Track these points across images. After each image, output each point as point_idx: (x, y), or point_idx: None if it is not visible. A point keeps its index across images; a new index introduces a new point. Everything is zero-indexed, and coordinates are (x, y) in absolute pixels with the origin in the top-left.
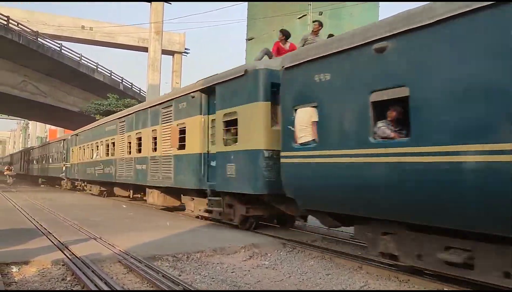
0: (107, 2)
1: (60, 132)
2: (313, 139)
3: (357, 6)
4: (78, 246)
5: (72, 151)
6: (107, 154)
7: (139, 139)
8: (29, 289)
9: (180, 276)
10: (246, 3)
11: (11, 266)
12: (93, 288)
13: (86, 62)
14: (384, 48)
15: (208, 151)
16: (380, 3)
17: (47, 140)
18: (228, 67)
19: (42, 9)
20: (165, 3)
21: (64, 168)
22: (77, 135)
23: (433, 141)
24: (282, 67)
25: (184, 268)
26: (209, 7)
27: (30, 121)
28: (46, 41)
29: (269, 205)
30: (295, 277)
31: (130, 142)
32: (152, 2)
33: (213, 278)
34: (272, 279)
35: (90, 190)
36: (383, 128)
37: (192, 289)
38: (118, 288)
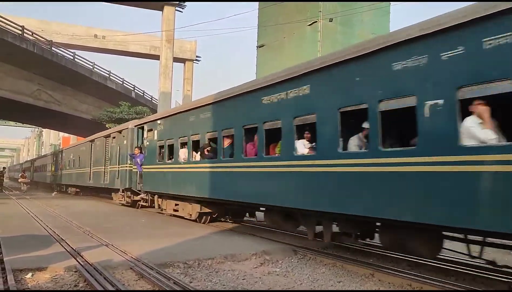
0: (117, 3)
1: (73, 140)
2: None
3: (368, 13)
4: (90, 252)
5: None
6: None
7: None
8: None
9: (191, 283)
10: (257, 11)
11: (25, 272)
12: None
13: (98, 71)
14: None
15: None
16: (391, 9)
17: (61, 147)
18: (239, 74)
19: (57, 19)
20: (176, 12)
21: None
22: None
23: None
24: None
25: (195, 275)
26: (220, 15)
27: (44, 129)
28: (60, 50)
29: None
30: (306, 284)
31: None
32: (163, 11)
33: (224, 285)
34: (283, 286)
35: None
36: None
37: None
38: None
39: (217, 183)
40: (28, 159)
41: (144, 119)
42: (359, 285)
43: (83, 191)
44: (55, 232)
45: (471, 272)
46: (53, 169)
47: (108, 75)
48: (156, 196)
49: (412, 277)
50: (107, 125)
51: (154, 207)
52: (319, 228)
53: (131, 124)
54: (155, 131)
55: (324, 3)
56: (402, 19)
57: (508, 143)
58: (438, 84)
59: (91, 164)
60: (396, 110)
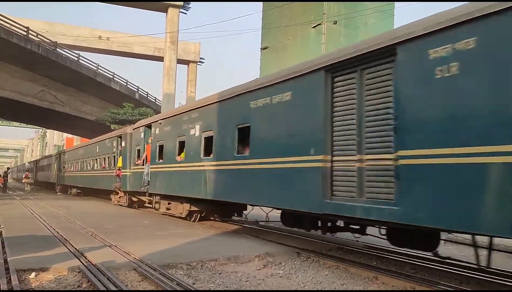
0: (122, 4)
1: (76, 140)
2: None
3: (372, 15)
4: (93, 253)
5: None
6: None
7: None
8: None
9: (194, 284)
10: (261, 13)
11: (28, 273)
12: None
13: (102, 72)
14: None
15: None
16: (395, 12)
17: (64, 148)
18: (243, 76)
19: (61, 20)
20: (180, 14)
21: None
22: None
23: None
24: None
25: (198, 276)
26: (224, 17)
27: (47, 130)
28: (65, 51)
29: None
30: (309, 287)
31: None
32: (168, 13)
33: (227, 287)
34: (286, 288)
35: None
36: None
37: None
38: None
39: None
40: (45, 154)
41: None
42: (363, 288)
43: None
44: (58, 233)
45: (476, 276)
46: (119, 164)
47: (112, 77)
48: None
49: (416, 280)
50: (111, 127)
51: None
52: None
53: None
54: None
55: (328, 6)
56: (406, 22)
57: None
58: None
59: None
60: None
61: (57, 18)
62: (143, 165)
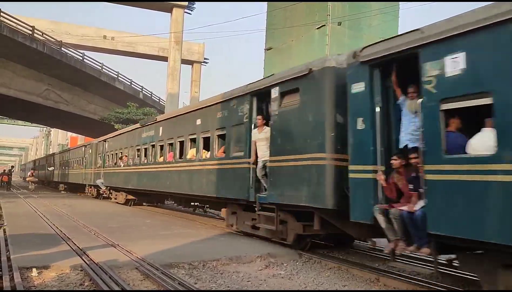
0: (127, 4)
1: (81, 140)
2: None
3: (376, 17)
4: (96, 252)
5: None
6: None
7: None
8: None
9: (196, 284)
10: (266, 13)
11: (31, 270)
12: None
13: (107, 71)
14: None
15: None
16: (400, 14)
17: (68, 147)
18: (247, 77)
19: (67, 20)
20: (185, 14)
21: None
22: None
23: None
24: None
25: (200, 276)
26: (229, 17)
27: (52, 129)
28: (70, 50)
29: None
30: (311, 288)
31: None
32: (172, 13)
33: (228, 287)
34: (288, 289)
35: None
36: None
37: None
38: None
39: None
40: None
41: None
42: (364, 290)
43: None
44: (61, 231)
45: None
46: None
47: (116, 76)
48: None
49: (418, 282)
50: (115, 126)
51: None
52: None
53: None
54: None
55: (333, 7)
56: (410, 23)
57: None
58: None
59: None
60: None
61: (62, 17)
62: None
